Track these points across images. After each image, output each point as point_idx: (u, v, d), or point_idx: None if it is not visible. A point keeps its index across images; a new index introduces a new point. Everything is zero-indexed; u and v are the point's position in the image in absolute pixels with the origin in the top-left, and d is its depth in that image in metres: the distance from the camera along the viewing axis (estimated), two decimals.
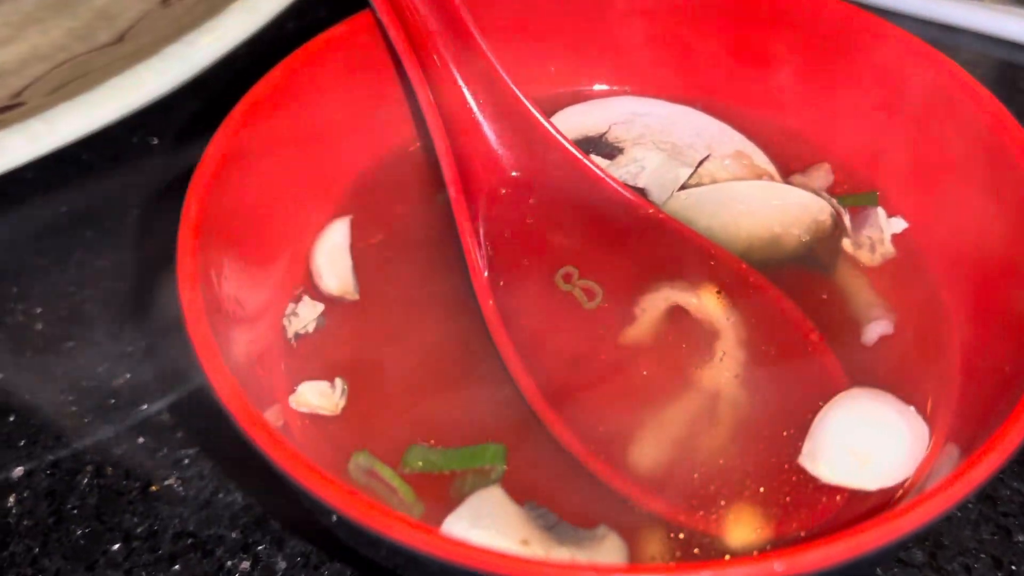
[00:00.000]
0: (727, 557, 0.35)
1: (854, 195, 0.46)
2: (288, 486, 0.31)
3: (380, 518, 0.28)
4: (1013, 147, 0.39)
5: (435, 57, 0.44)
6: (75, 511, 0.44)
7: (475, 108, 0.45)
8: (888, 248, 0.44)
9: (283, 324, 0.42)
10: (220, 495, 0.44)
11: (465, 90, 0.45)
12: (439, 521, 0.36)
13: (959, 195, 0.42)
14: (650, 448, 0.39)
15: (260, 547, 0.42)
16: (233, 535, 0.43)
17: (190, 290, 0.34)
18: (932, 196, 0.44)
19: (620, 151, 0.48)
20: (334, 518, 0.30)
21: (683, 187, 0.46)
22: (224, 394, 0.31)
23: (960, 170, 0.42)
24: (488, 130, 0.45)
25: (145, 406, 0.47)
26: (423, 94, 0.44)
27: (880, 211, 0.45)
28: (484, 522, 0.35)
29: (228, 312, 0.37)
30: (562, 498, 0.37)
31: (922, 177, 0.44)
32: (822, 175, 0.47)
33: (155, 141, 0.59)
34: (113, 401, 0.47)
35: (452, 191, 0.43)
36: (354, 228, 0.45)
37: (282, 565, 0.42)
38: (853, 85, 0.46)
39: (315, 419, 0.40)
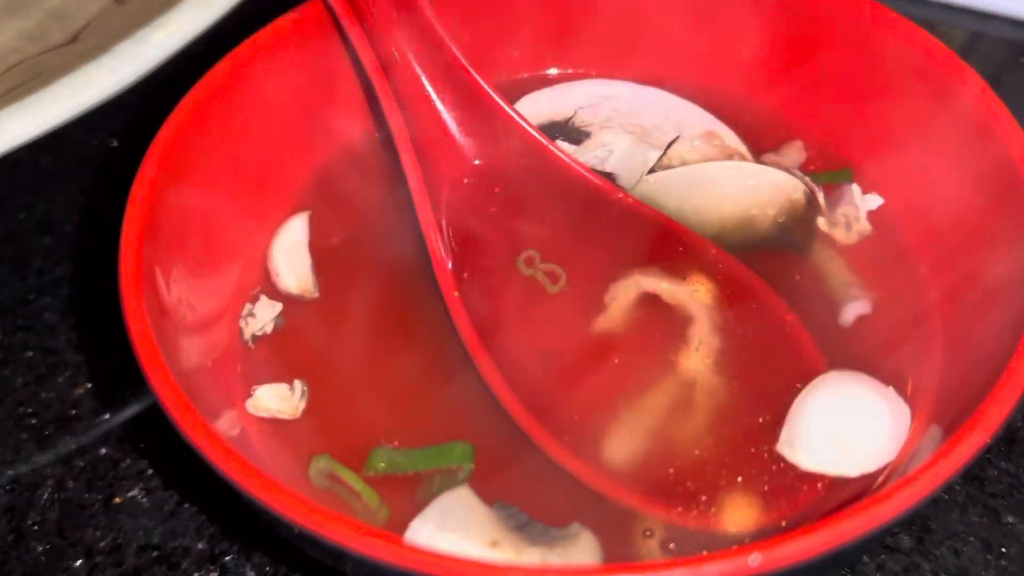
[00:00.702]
0: (704, 552, 0.34)
1: (828, 172, 0.45)
2: (238, 495, 0.30)
3: (329, 525, 0.27)
4: (990, 117, 0.38)
5: (391, 44, 0.43)
6: (35, 527, 0.42)
7: (434, 96, 0.43)
8: (864, 225, 0.43)
9: (239, 326, 0.41)
10: (186, 505, 0.43)
11: (423, 78, 0.43)
12: (405, 525, 0.35)
13: (935, 168, 0.41)
14: (624, 441, 0.38)
15: (228, 557, 0.41)
16: (199, 546, 0.42)
17: (133, 294, 0.33)
18: (908, 171, 0.42)
19: (587, 136, 0.47)
20: (294, 530, 0.29)
21: (652, 170, 0.45)
22: (168, 401, 0.30)
23: (936, 143, 0.40)
24: (448, 118, 0.44)
25: (107, 416, 0.46)
26: (379, 83, 0.42)
27: (855, 188, 0.44)
28: (452, 524, 0.34)
29: (178, 315, 0.36)
30: (533, 496, 0.36)
31: (897, 151, 0.43)
32: (795, 153, 0.46)
33: (115, 143, 0.57)
34: (74, 412, 0.46)
35: (412, 183, 0.42)
36: (313, 224, 0.44)
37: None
38: (824, 59, 0.45)
39: (274, 423, 0.38)
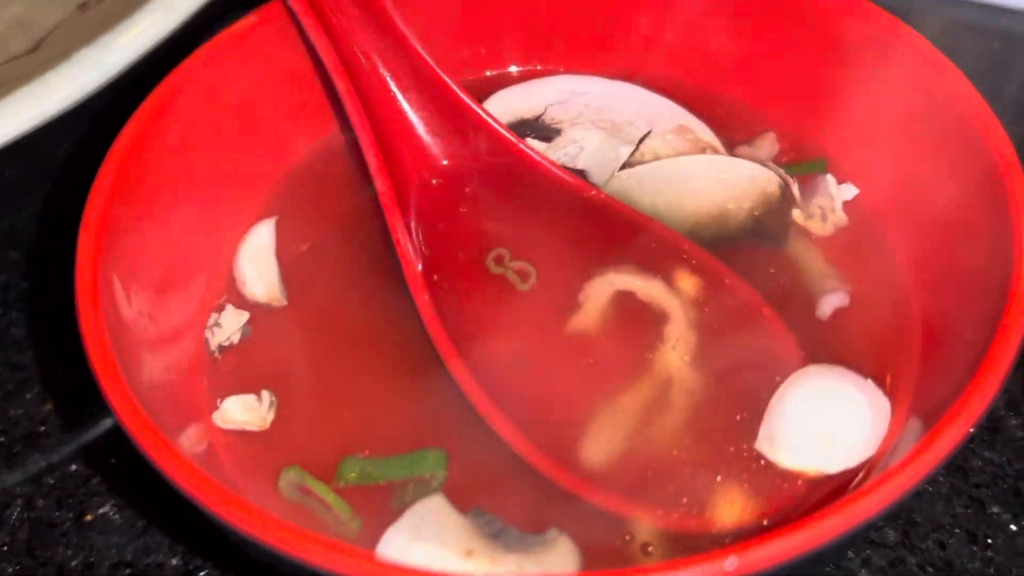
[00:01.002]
0: (683, 555, 0.33)
1: (802, 163, 0.44)
2: (199, 512, 0.29)
3: (292, 541, 0.26)
4: (964, 105, 0.38)
5: (353, 44, 0.42)
6: (4, 548, 0.41)
7: (400, 96, 0.43)
8: (840, 216, 0.42)
9: (205, 336, 0.40)
10: (158, 521, 0.42)
11: (388, 77, 0.42)
12: (379, 536, 0.34)
13: (910, 157, 0.40)
14: (602, 442, 0.37)
15: (202, 573, 0.40)
16: (173, 562, 0.41)
17: (90, 309, 0.32)
18: (883, 160, 0.42)
19: (558, 133, 0.46)
20: (261, 549, 0.28)
21: (624, 166, 0.44)
22: (127, 420, 0.29)
23: (910, 132, 0.40)
24: (415, 118, 0.43)
25: (77, 432, 0.45)
26: (342, 84, 0.41)
27: (830, 178, 0.43)
28: (426, 534, 0.33)
29: (139, 328, 0.35)
30: (510, 502, 0.35)
31: (871, 141, 0.42)
32: (768, 145, 0.45)
33: (83, 153, 0.56)
34: (43, 428, 0.45)
35: (380, 185, 0.41)
36: (280, 229, 0.43)
37: None
38: (794, 49, 0.44)
39: (242, 436, 0.38)
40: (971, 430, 0.29)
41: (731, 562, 0.26)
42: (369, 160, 0.41)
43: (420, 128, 0.43)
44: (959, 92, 0.38)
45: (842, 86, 0.43)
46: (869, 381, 0.37)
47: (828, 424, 0.35)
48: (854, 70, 0.42)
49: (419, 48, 0.42)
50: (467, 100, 0.43)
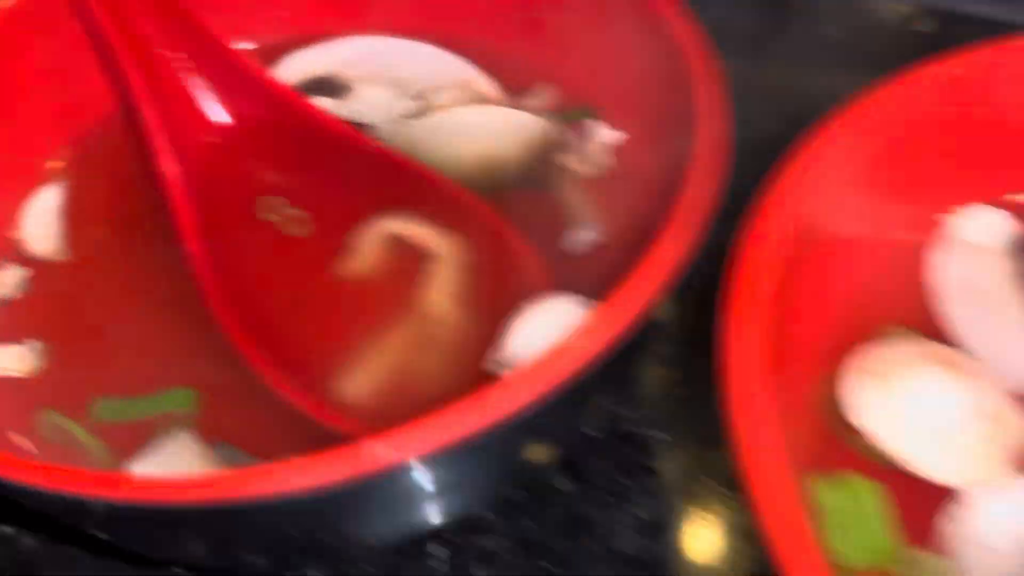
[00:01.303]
0: None
1: (573, 111, 0.46)
2: None
3: None
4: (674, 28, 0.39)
5: (128, 10, 0.43)
6: None
7: (177, 59, 0.44)
8: (605, 160, 0.44)
9: None
10: None
11: (163, 41, 0.43)
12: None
13: (661, 106, 0.41)
14: (358, 377, 0.39)
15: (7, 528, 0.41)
16: None
17: None
18: (643, 108, 0.43)
19: (348, 90, 0.47)
20: None
21: (409, 120, 0.46)
22: None
23: (659, 81, 0.41)
24: (194, 80, 0.44)
25: None
26: (116, 50, 0.42)
27: (597, 124, 0.45)
28: (166, 466, 0.35)
29: None
30: (259, 438, 0.37)
31: (634, 90, 0.43)
32: (544, 95, 0.46)
33: None
34: None
35: (155, 146, 0.42)
36: (69, 192, 0.45)
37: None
38: (569, 6, 0.45)
39: (8, 382, 0.39)
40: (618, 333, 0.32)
41: (378, 448, 0.28)
42: (146, 123, 0.42)
43: (199, 89, 0.44)
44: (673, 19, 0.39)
45: (605, 39, 0.44)
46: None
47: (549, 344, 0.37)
48: (614, 24, 0.44)
49: (191, 12, 0.43)
50: (246, 61, 0.44)
